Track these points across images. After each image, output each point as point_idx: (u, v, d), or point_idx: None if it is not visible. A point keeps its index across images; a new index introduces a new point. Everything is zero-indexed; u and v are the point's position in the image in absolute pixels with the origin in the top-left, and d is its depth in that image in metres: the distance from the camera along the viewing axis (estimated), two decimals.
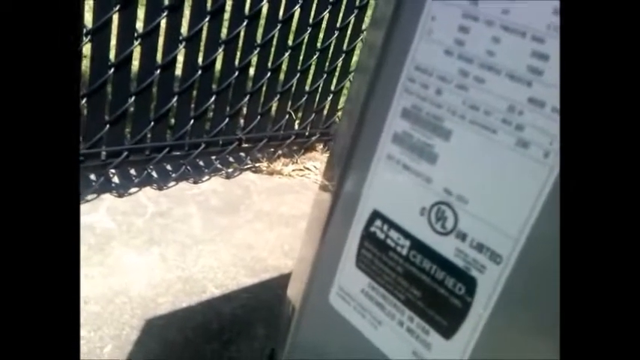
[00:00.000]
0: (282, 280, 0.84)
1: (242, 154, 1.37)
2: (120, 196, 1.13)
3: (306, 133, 1.47)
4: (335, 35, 1.35)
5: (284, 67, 1.30)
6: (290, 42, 1.27)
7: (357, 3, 1.35)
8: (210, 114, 1.24)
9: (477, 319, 0.27)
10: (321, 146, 1.53)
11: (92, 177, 1.13)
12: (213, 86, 1.21)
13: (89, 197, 1.10)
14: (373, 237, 0.33)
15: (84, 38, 0.93)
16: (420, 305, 0.30)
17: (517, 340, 0.27)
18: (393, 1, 0.31)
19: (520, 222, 0.25)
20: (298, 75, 1.34)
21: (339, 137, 0.41)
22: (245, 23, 1.14)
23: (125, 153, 1.11)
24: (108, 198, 1.12)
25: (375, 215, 0.33)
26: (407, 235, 0.31)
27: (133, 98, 1.06)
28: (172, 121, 1.19)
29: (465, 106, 0.27)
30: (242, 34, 1.16)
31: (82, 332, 0.81)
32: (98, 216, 1.07)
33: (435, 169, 0.29)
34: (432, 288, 0.30)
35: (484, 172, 0.27)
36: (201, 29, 1.08)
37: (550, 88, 0.24)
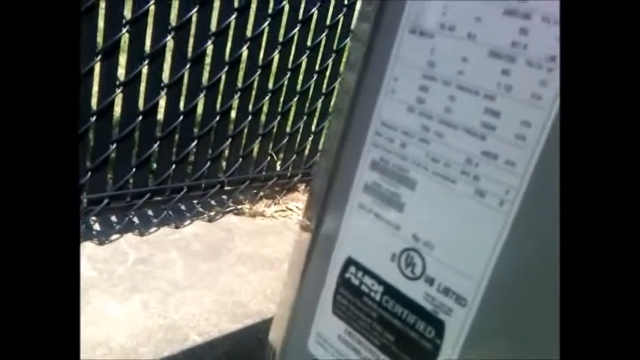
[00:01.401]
0: (265, 325, 0.84)
1: (224, 196, 1.37)
2: (101, 243, 1.12)
3: (288, 174, 1.49)
4: (314, 78, 1.40)
5: (265, 109, 1.34)
6: (270, 85, 1.31)
7: (335, 47, 1.41)
8: (192, 158, 1.26)
9: None
10: (303, 187, 1.55)
11: None
12: (195, 130, 1.23)
13: None
14: (348, 283, 0.34)
15: None
16: (393, 349, 0.31)
17: None
18: (360, 59, 0.33)
19: (481, 266, 0.27)
20: (279, 117, 1.37)
21: (317, 178, 0.42)
22: (226, 69, 1.18)
23: (106, 200, 1.11)
24: (88, 245, 1.11)
25: (350, 262, 0.34)
26: (380, 280, 0.32)
27: (114, 145, 1.07)
28: (154, 166, 1.20)
29: (427, 159, 0.30)
30: (223, 78, 1.19)
31: None
32: None
33: (403, 216, 0.31)
34: (404, 332, 0.31)
35: (447, 219, 0.29)
36: (182, 75, 1.11)
37: (502, 141, 0.27)
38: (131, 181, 1.15)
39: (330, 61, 1.41)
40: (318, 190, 0.39)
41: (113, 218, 1.20)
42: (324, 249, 0.36)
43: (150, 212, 1.26)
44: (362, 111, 0.33)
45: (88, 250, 1.09)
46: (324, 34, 1.35)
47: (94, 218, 1.15)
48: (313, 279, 0.37)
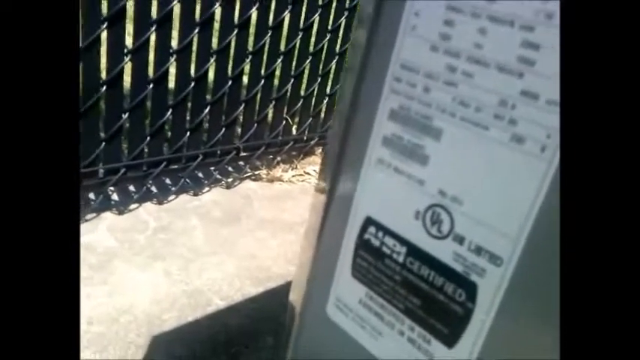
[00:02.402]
0: (287, 288, 0.83)
1: (241, 163, 1.36)
2: (120, 213, 1.12)
3: (304, 138, 1.46)
4: (327, 38, 1.34)
5: (277, 73, 1.30)
6: (282, 48, 1.26)
7: (347, 4, 1.34)
8: (206, 125, 1.23)
9: (479, 326, 0.26)
10: (320, 150, 1.52)
11: (91, 196, 1.12)
12: (208, 97, 1.20)
13: (89, 217, 1.09)
14: (368, 245, 0.32)
15: None
16: (420, 314, 0.29)
17: (523, 345, 0.26)
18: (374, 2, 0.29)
19: (519, 221, 0.24)
20: (292, 80, 1.33)
21: (331, 139, 0.40)
22: (235, 32, 1.13)
23: (123, 170, 1.10)
24: (108, 216, 1.11)
25: (369, 222, 0.31)
26: (402, 241, 0.30)
27: (127, 114, 1.05)
28: (169, 134, 1.18)
29: (454, 103, 0.26)
30: (233, 42, 1.15)
31: (87, 354, 0.80)
32: (99, 235, 1.06)
33: (427, 170, 0.28)
34: (431, 295, 0.28)
35: (478, 170, 0.25)
36: (191, 41, 1.07)
37: (543, 78, 0.23)
38: (146, 150, 1.13)
39: (342, 20, 1.35)
40: (332, 149, 0.36)
41: (131, 188, 1.19)
42: (341, 209, 0.33)
43: (167, 181, 1.25)
44: (378, 55, 0.29)
45: (108, 220, 1.10)
46: None
47: (112, 188, 1.15)
48: (330, 241, 0.35)
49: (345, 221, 0.33)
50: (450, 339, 0.28)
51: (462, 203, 0.26)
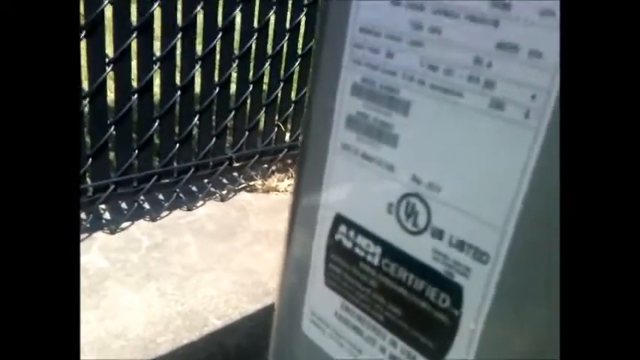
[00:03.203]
0: None
1: (235, 174, 1.31)
2: (112, 232, 1.09)
3: (299, 145, 1.42)
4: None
5: (266, 78, 1.26)
6: (269, 51, 1.23)
7: None
8: (196, 136, 1.20)
9: (469, 336, 0.21)
10: None
11: (82, 215, 1.08)
12: (196, 106, 1.16)
13: (80, 237, 1.05)
14: (340, 246, 0.27)
15: None
16: (401, 325, 0.24)
17: (519, 353, 0.21)
18: None
19: (505, 207, 0.19)
20: (282, 85, 1.29)
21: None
22: (219, 36, 1.10)
23: (112, 186, 1.07)
24: (100, 236, 1.07)
25: (339, 220, 0.27)
26: (376, 240, 0.25)
27: (112, 127, 1.02)
28: (158, 147, 1.15)
29: (422, 68, 0.22)
30: (218, 47, 1.11)
31: None
32: (91, 256, 1.02)
33: (398, 152, 0.23)
34: (412, 302, 0.23)
35: (455, 148, 0.21)
36: (174, 47, 1.04)
37: (522, 25, 0.18)
38: (136, 164, 1.10)
39: None
40: (299, 144, 0.31)
41: (123, 205, 1.16)
42: (307, 209, 0.29)
43: (160, 196, 1.21)
44: (334, 20, 0.25)
45: (99, 240, 1.06)
46: None
47: (103, 207, 1.11)
48: (299, 247, 0.30)
49: (314, 221, 0.28)
50: (437, 354, 0.23)
51: (439, 190, 0.22)
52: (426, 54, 0.21)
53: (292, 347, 0.32)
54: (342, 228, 0.27)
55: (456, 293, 0.21)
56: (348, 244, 0.26)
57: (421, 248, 0.22)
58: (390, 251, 0.24)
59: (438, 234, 0.22)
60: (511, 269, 0.19)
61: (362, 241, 0.26)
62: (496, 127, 0.19)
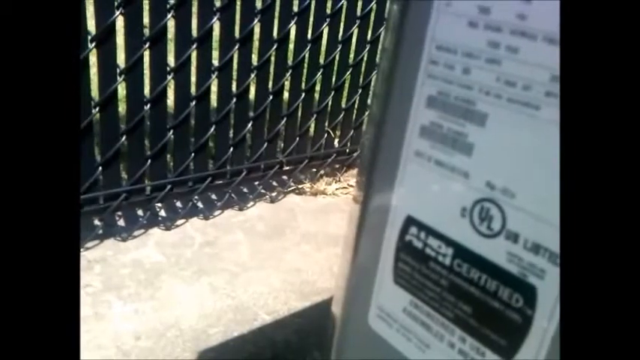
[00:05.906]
0: None
1: (284, 177, 1.35)
2: (167, 229, 1.14)
3: (347, 150, 1.44)
4: (366, 49, 1.33)
5: (318, 87, 1.29)
6: (321, 61, 1.26)
7: (386, 15, 1.32)
8: (249, 140, 1.24)
9: (541, 335, 0.23)
10: None
11: (139, 212, 1.14)
12: (250, 113, 1.21)
13: (137, 233, 1.11)
14: (410, 247, 0.29)
15: (118, 77, 0.96)
16: (471, 323, 0.26)
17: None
18: None
19: None
20: (333, 93, 1.32)
21: (365, 144, 0.37)
22: (275, 47, 1.14)
23: (169, 186, 1.12)
24: (156, 232, 1.13)
25: (410, 222, 0.29)
26: (448, 241, 0.27)
27: (171, 132, 1.08)
28: (213, 150, 1.20)
29: (499, 83, 0.23)
30: (272, 58, 1.15)
31: None
32: (147, 251, 1.08)
33: (472, 161, 0.25)
34: (483, 301, 0.25)
35: (531, 157, 0.22)
36: (231, 58, 1.09)
37: None
38: (192, 166, 1.15)
39: (381, 30, 1.33)
40: (367, 148, 0.34)
41: (178, 204, 1.22)
42: (379, 210, 0.31)
43: (213, 196, 1.27)
44: (411, 39, 0.27)
45: (156, 236, 1.12)
46: (374, 1, 1.28)
47: (159, 205, 1.18)
48: (370, 246, 0.32)
49: (385, 223, 0.31)
50: (508, 351, 0.24)
51: (514, 196, 0.23)
52: (503, 71, 0.23)
53: (358, 340, 0.34)
54: (413, 229, 0.29)
55: (529, 294, 0.23)
56: (419, 245, 0.28)
57: (495, 250, 0.24)
58: (463, 252, 0.26)
59: (513, 237, 0.23)
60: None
61: (433, 242, 0.28)
62: None
